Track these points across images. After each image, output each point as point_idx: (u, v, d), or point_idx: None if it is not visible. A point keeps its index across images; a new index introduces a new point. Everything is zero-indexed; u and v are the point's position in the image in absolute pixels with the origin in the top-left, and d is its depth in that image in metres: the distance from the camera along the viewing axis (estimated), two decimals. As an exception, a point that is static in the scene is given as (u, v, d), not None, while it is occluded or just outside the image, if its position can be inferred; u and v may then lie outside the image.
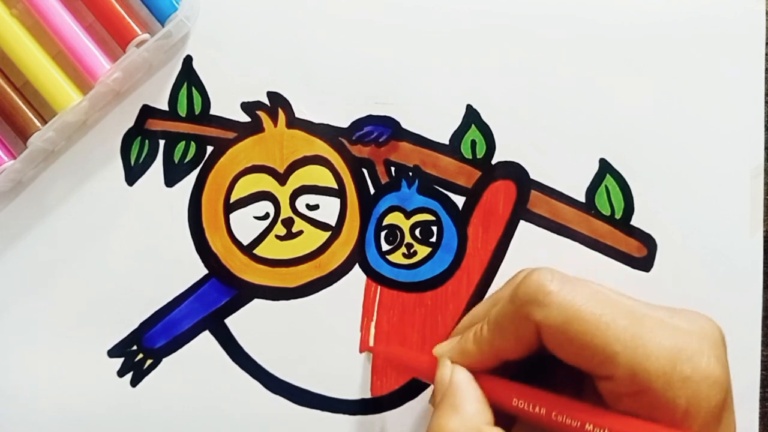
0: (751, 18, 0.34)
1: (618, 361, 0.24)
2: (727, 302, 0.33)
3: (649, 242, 0.34)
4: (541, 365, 0.27)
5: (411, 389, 0.33)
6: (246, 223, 0.34)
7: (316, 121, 0.34)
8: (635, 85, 0.34)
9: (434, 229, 0.34)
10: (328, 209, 0.34)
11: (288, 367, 0.34)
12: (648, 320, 0.25)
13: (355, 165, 0.34)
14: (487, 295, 0.34)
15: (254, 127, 0.34)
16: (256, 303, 0.34)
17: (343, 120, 0.34)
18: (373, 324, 0.34)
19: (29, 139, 0.32)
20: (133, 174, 0.34)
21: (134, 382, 0.34)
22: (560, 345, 0.25)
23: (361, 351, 0.34)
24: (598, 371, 0.25)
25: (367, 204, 0.34)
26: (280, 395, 0.33)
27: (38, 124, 0.32)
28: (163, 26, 0.32)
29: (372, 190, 0.34)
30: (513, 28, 0.34)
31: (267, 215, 0.34)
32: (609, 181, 0.34)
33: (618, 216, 0.34)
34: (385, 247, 0.34)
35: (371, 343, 0.34)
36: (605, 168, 0.34)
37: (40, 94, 0.32)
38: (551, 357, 0.26)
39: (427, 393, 0.33)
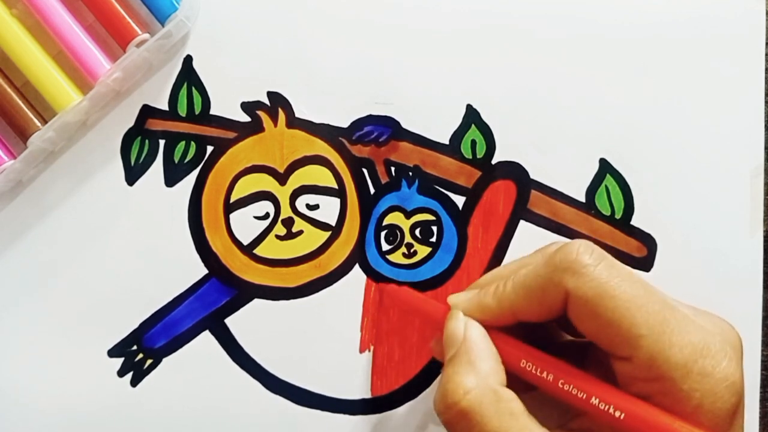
0: (751, 18, 0.34)
1: (641, 344, 0.24)
2: (727, 302, 0.33)
3: (649, 242, 0.34)
4: (545, 335, 0.27)
5: (411, 389, 0.33)
6: (246, 223, 0.34)
7: (316, 121, 0.34)
8: (635, 85, 0.34)
9: (434, 229, 0.34)
10: (328, 209, 0.34)
11: (288, 367, 0.34)
12: (678, 312, 0.25)
13: (355, 165, 0.34)
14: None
15: (254, 127, 0.34)
16: (256, 303, 0.34)
17: (343, 120, 0.34)
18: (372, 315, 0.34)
19: (29, 139, 0.32)
20: (133, 174, 0.34)
21: (134, 382, 0.34)
22: (586, 318, 0.25)
23: (361, 351, 0.34)
24: (618, 350, 0.25)
25: (367, 204, 0.34)
26: (280, 395, 0.33)
27: (38, 124, 0.32)
28: (163, 26, 0.32)
29: (372, 190, 0.34)
30: (513, 28, 0.34)
31: (267, 215, 0.34)
32: (609, 181, 0.34)
33: (618, 216, 0.34)
34: (385, 246, 0.34)
35: (371, 345, 0.34)
36: (605, 168, 0.34)
37: (40, 94, 0.32)
38: (557, 329, 0.26)
39: (427, 392, 0.33)
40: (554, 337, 0.29)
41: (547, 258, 0.26)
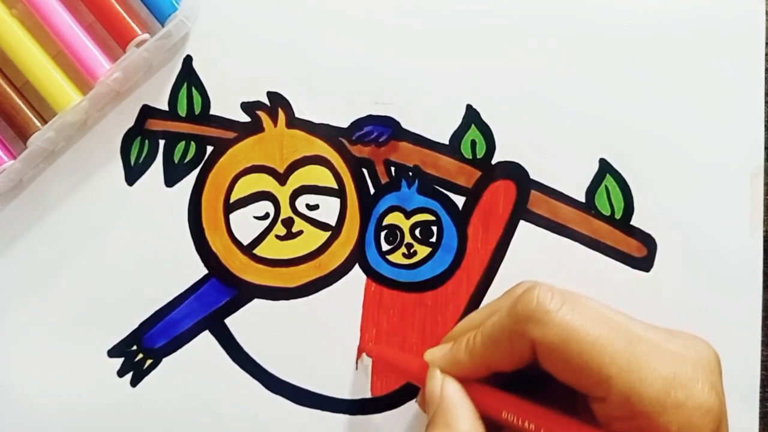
0: (751, 18, 0.34)
1: (612, 384, 0.24)
2: (727, 302, 0.33)
3: (649, 242, 0.34)
4: (536, 376, 0.27)
5: (411, 389, 0.33)
6: (246, 223, 0.34)
7: (316, 121, 0.34)
8: (635, 85, 0.34)
9: (434, 229, 0.34)
10: (328, 209, 0.34)
11: (288, 367, 0.34)
12: (645, 344, 0.25)
13: (355, 165, 0.34)
14: (484, 303, 0.33)
15: (254, 127, 0.34)
16: (256, 303, 0.34)
17: (343, 120, 0.34)
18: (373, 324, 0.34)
19: (29, 139, 0.32)
20: (133, 174, 0.34)
21: (134, 382, 0.34)
22: (555, 364, 0.25)
23: (358, 354, 0.34)
24: (591, 392, 0.25)
25: (367, 204, 0.34)
26: (280, 395, 0.33)
27: (38, 124, 0.32)
28: (163, 26, 0.32)
29: (372, 190, 0.34)
30: (513, 28, 0.34)
31: (267, 215, 0.34)
32: (609, 181, 0.34)
33: (618, 216, 0.34)
34: (385, 247, 0.34)
35: (371, 344, 0.34)
36: (605, 168, 0.34)
37: (40, 94, 0.32)
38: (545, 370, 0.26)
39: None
40: (547, 381, 0.29)
41: (510, 308, 0.26)
